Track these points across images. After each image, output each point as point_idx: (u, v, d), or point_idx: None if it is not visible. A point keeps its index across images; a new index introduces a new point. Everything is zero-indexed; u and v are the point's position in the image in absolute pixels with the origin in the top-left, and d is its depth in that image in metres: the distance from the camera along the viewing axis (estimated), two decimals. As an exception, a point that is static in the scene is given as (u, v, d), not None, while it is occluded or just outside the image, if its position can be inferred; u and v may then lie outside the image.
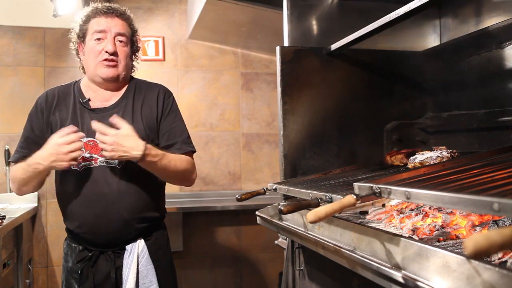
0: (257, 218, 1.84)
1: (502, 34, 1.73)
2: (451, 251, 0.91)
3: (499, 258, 0.87)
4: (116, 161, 1.72)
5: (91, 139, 1.73)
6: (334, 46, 1.96)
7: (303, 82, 2.03)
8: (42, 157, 1.62)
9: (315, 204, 1.25)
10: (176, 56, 3.80)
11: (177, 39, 3.81)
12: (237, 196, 1.79)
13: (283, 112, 1.99)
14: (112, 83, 1.81)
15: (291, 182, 1.76)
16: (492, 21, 1.85)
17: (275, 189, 1.76)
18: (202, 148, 3.82)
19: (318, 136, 2.04)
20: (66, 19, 3.29)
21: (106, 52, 1.73)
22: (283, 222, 1.67)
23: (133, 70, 1.98)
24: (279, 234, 2.07)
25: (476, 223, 1.13)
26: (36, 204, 3.43)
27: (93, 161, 1.73)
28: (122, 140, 1.60)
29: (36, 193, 3.46)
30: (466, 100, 1.96)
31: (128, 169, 1.74)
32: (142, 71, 3.73)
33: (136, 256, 1.74)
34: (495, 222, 1.09)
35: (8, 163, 1.87)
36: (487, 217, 1.15)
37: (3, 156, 3.42)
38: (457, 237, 1.11)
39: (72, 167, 1.70)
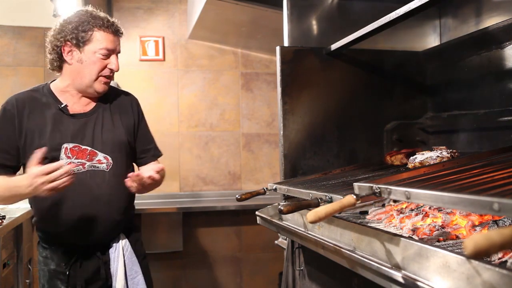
0: (257, 218, 1.84)
1: (502, 34, 1.73)
2: (451, 251, 0.91)
3: (499, 258, 0.87)
4: (104, 165, 1.76)
5: (75, 144, 1.73)
6: (334, 46, 1.96)
7: (303, 82, 2.03)
8: (23, 184, 1.56)
9: (315, 204, 1.25)
10: (176, 56, 3.81)
11: (177, 39, 3.81)
12: (237, 196, 1.79)
13: (283, 112, 1.99)
14: (98, 95, 1.82)
15: (291, 182, 1.76)
16: (492, 21, 1.85)
17: (275, 189, 1.76)
18: (202, 148, 3.82)
19: (318, 136, 2.04)
20: (66, 19, 3.30)
21: (111, 69, 1.76)
22: (283, 222, 1.67)
23: None
24: (279, 234, 2.07)
25: (476, 223, 1.13)
26: (36, 204, 3.43)
27: (81, 166, 1.73)
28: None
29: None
30: (466, 100, 1.96)
31: (115, 172, 1.78)
32: (142, 71, 3.75)
33: (121, 251, 1.81)
34: (495, 222, 1.09)
35: None
36: (487, 217, 1.15)
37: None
38: (457, 237, 1.11)
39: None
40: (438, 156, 1.51)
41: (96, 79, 1.74)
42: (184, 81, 3.82)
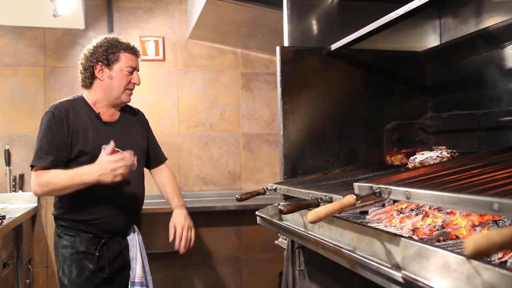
0: (257, 218, 1.85)
1: (502, 34, 1.73)
2: (451, 251, 0.91)
3: (499, 258, 0.87)
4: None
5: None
6: (334, 46, 1.96)
7: (303, 82, 2.03)
8: (91, 171, 1.88)
9: (315, 204, 1.25)
10: (176, 56, 3.81)
11: (177, 39, 3.81)
12: (237, 196, 1.80)
13: (283, 112, 2.00)
14: (122, 104, 2.19)
15: (291, 182, 1.76)
16: (492, 21, 1.85)
17: (275, 189, 1.76)
18: (202, 148, 3.82)
19: (318, 136, 2.04)
20: (66, 19, 3.30)
21: (134, 83, 2.15)
22: (283, 222, 1.67)
23: None
24: (279, 234, 2.07)
25: (476, 223, 1.13)
26: (36, 204, 3.43)
27: None
28: None
29: (36, 193, 3.46)
30: (466, 100, 1.96)
31: (137, 171, 2.16)
32: (142, 71, 3.72)
33: (137, 239, 2.18)
34: (495, 222, 1.09)
35: (31, 167, 1.99)
36: (487, 217, 1.15)
37: (3, 156, 3.42)
38: (457, 237, 1.11)
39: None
40: (438, 156, 1.51)
41: (124, 91, 2.11)
42: (184, 81, 3.82)
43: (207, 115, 3.84)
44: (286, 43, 2.10)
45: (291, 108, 2.00)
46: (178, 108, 3.80)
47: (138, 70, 2.18)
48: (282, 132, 2.00)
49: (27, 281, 3.22)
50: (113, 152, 1.93)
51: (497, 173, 1.02)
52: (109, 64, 2.07)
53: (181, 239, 2.21)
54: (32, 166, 1.98)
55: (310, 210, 1.10)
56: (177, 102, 3.80)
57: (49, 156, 1.96)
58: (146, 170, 2.31)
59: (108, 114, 2.14)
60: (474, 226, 1.12)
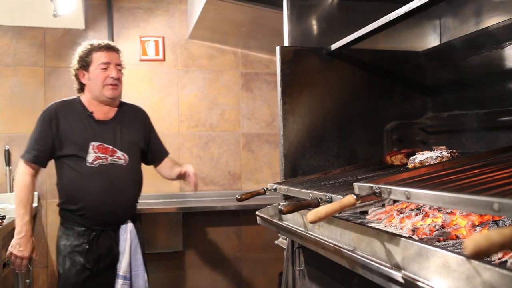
0: (257, 218, 1.85)
1: (502, 34, 1.73)
2: (451, 251, 0.91)
3: (499, 258, 0.87)
4: (122, 160, 2.27)
5: (100, 143, 2.24)
6: (334, 46, 1.96)
7: (303, 82, 2.03)
8: (16, 231, 2.26)
9: (315, 204, 1.25)
10: (176, 56, 3.80)
11: (177, 39, 3.81)
12: (237, 196, 1.80)
13: (283, 112, 2.00)
14: (113, 101, 2.32)
15: (291, 182, 1.76)
16: (492, 21, 1.85)
17: (275, 189, 1.76)
18: (202, 148, 3.82)
19: (318, 136, 2.04)
20: (66, 19, 3.30)
21: (112, 77, 2.24)
22: (283, 222, 1.67)
23: None
24: (279, 234, 2.08)
25: (476, 223, 1.13)
26: (36, 204, 3.43)
27: (104, 159, 2.23)
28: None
29: (36, 193, 3.46)
30: (466, 100, 1.96)
31: (130, 167, 2.29)
32: (142, 71, 3.75)
33: (129, 233, 2.27)
34: (495, 222, 1.09)
35: (21, 158, 2.30)
36: (487, 217, 1.15)
37: (3, 156, 3.42)
38: (457, 237, 1.11)
39: (87, 164, 2.20)
40: (438, 156, 1.51)
41: (103, 87, 2.24)
42: (184, 81, 3.82)
43: (207, 115, 3.84)
44: (286, 43, 2.10)
45: (291, 108, 2.00)
46: (178, 108, 3.80)
47: (118, 64, 2.29)
48: (282, 132, 2.00)
49: (27, 281, 3.21)
50: (102, 150, 2.22)
51: (497, 173, 1.02)
52: (86, 67, 2.27)
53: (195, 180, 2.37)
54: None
55: (310, 210, 1.10)
56: (177, 102, 3.80)
57: (33, 151, 2.23)
58: (148, 169, 2.40)
59: (102, 113, 2.30)
60: (474, 226, 1.12)
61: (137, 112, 2.45)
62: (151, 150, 2.46)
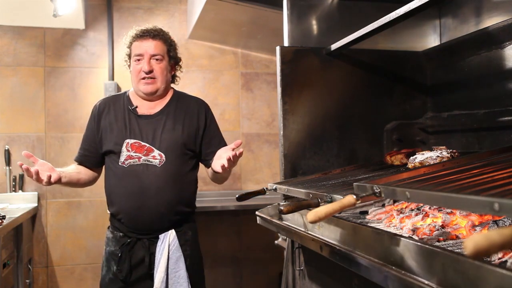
0: (257, 218, 1.84)
1: (502, 34, 1.73)
2: (451, 251, 0.91)
3: (499, 258, 0.87)
4: (157, 160, 1.99)
5: (136, 140, 2.01)
6: (334, 46, 1.96)
7: (303, 82, 2.03)
8: None
9: (315, 204, 1.25)
10: (176, 56, 3.80)
11: (177, 39, 3.75)
12: (237, 196, 1.80)
13: (283, 112, 2.00)
14: (152, 96, 2.07)
15: (291, 182, 1.76)
16: (492, 21, 1.85)
17: (275, 189, 1.76)
18: (202, 148, 3.82)
19: (318, 136, 2.04)
20: (66, 19, 3.30)
21: (143, 71, 2.02)
22: (283, 222, 1.67)
23: (176, 80, 2.21)
24: (279, 234, 2.07)
25: (476, 223, 1.13)
26: (36, 204, 3.43)
27: (137, 159, 2.00)
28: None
29: (36, 193, 3.46)
30: (466, 100, 1.96)
31: (166, 168, 1.99)
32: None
33: (167, 244, 1.98)
34: (495, 222, 1.09)
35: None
36: (487, 217, 1.15)
37: (3, 156, 3.42)
38: (457, 237, 1.11)
39: (119, 163, 2.00)
40: (438, 156, 1.51)
41: (138, 81, 2.04)
42: (184, 81, 3.79)
43: (207, 115, 3.84)
44: (286, 43, 2.10)
45: (291, 108, 2.00)
46: (178, 108, 3.80)
47: (154, 55, 2.03)
48: (282, 132, 2.00)
49: (27, 281, 3.22)
50: (137, 148, 2.00)
51: (497, 173, 1.02)
52: (130, 57, 2.10)
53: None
54: None
55: (310, 210, 1.10)
56: (177, 102, 3.79)
57: (80, 151, 2.14)
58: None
59: (146, 107, 2.08)
60: (474, 226, 1.12)
61: (191, 105, 2.12)
62: (203, 149, 2.11)
